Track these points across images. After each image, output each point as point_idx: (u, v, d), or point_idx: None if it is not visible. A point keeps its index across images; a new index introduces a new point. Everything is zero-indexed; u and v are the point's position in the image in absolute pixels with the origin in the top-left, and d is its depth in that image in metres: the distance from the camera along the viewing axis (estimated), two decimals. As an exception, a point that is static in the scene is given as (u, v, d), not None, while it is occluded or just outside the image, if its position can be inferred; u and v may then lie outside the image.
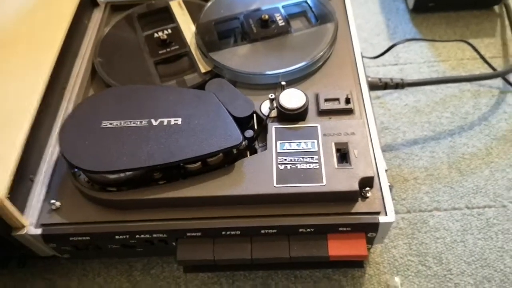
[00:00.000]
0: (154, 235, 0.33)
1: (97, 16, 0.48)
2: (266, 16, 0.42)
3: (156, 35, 0.44)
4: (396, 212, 0.42)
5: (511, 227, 0.40)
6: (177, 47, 0.43)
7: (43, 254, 0.36)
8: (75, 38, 0.44)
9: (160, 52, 0.43)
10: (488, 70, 0.52)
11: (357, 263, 0.35)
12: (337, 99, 0.37)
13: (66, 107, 0.40)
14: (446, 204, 0.42)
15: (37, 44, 0.40)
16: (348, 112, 0.36)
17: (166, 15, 0.46)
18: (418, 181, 0.44)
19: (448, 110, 0.49)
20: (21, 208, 0.33)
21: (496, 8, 0.59)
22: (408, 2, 0.60)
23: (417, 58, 0.55)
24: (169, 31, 0.44)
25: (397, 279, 0.38)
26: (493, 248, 0.39)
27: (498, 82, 0.51)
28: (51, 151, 0.37)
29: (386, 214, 0.32)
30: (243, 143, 0.33)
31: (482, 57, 0.52)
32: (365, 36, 0.58)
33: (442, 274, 0.38)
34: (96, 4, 0.49)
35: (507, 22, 0.56)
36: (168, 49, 0.43)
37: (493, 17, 0.58)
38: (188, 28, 0.45)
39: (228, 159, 0.34)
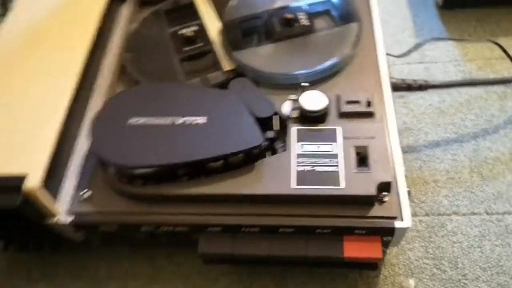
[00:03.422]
0: (177, 228, 0.35)
1: (125, 11, 0.49)
2: (290, 15, 0.42)
3: (181, 32, 0.45)
4: (415, 215, 0.42)
5: (531, 234, 0.40)
6: (201, 44, 0.44)
7: (73, 240, 0.39)
8: (104, 33, 0.46)
9: (185, 49, 0.44)
10: (518, 72, 0.50)
11: (371, 265, 0.36)
12: (358, 102, 0.37)
13: (95, 100, 0.42)
14: (465, 209, 0.42)
15: (69, 41, 0.42)
16: (369, 115, 0.37)
17: (192, 11, 0.47)
18: (438, 184, 0.44)
19: (473, 112, 0.48)
20: (54, 197, 0.35)
21: (530, 5, 0.57)
22: (437, -2, 0.59)
23: (443, 56, 0.54)
24: (194, 28, 0.45)
25: (411, 281, 0.38)
26: (510, 255, 0.39)
27: (527, 84, 0.50)
28: (82, 142, 0.39)
29: (402, 220, 0.32)
30: (263, 144, 0.34)
31: (511, 58, 0.50)
32: (391, 32, 0.57)
33: (457, 279, 0.38)
34: (124, 0, 0.50)
35: (540, 21, 0.54)
36: (193, 46, 0.44)
37: (526, 15, 0.56)
38: (212, 25, 0.45)
39: (248, 159, 0.35)
